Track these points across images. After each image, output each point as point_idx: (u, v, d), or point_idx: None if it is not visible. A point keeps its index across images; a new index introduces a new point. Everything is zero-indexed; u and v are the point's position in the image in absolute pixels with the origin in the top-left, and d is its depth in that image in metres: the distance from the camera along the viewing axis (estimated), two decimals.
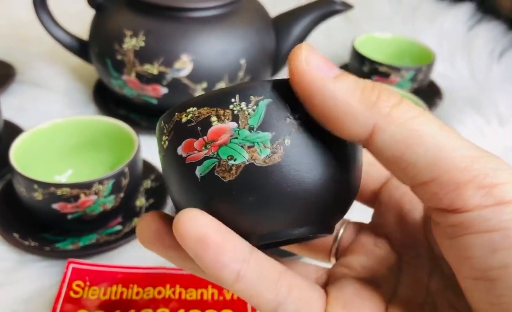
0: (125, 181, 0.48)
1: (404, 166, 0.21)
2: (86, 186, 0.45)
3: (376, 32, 0.84)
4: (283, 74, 0.72)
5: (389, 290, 0.26)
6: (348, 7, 0.67)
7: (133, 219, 0.52)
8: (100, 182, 0.46)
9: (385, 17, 1.08)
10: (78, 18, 0.75)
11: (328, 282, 0.28)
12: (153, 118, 0.66)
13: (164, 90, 0.60)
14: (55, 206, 0.45)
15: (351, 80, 0.21)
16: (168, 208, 0.53)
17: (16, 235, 0.48)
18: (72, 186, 0.45)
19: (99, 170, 0.54)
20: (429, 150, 0.20)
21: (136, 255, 0.49)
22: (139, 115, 0.67)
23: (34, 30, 0.83)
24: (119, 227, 0.51)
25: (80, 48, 0.68)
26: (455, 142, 0.20)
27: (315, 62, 0.21)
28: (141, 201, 0.54)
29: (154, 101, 0.61)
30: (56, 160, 0.53)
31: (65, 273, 0.45)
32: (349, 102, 0.21)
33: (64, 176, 0.54)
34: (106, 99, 0.70)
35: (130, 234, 0.50)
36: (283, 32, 0.67)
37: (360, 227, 0.30)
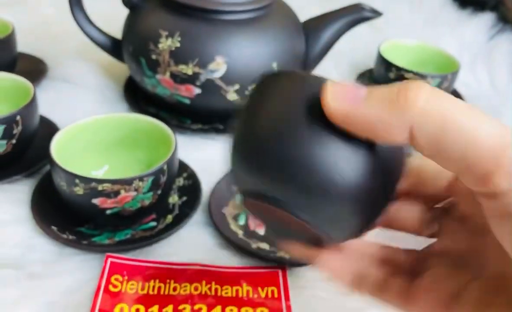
0: (163, 179, 0.49)
1: (442, 158, 0.23)
2: (127, 182, 0.46)
3: (398, 38, 0.84)
4: None
5: (477, 268, 0.28)
6: (377, 14, 0.68)
7: (167, 216, 0.53)
8: (141, 179, 0.47)
9: (405, 23, 1.09)
10: (109, 17, 0.76)
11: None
12: (183, 117, 0.67)
13: (197, 90, 0.61)
14: (95, 201, 0.46)
15: (377, 94, 0.23)
16: (202, 206, 0.54)
17: (54, 228, 0.49)
18: (113, 182, 0.46)
19: (134, 166, 0.55)
20: (459, 142, 0.22)
21: (170, 251, 0.50)
22: (169, 113, 0.68)
23: (63, 27, 0.84)
24: (153, 224, 0.52)
25: (113, 47, 0.69)
26: (484, 130, 0.22)
27: (341, 95, 0.24)
28: (174, 199, 0.55)
29: (187, 101, 0.62)
30: (93, 155, 0.54)
31: (104, 267, 0.46)
32: (382, 116, 0.23)
33: (100, 171, 0.55)
34: (136, 97, 0.71)
35: (165, 231, 0.50)
36: (312, 36, 0.68)
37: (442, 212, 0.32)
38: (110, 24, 0.73)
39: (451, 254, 0.30)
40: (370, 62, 0.89)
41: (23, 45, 0.72)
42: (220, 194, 0.55)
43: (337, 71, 0.85)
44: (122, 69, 0.72)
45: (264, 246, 0.51)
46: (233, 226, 0.52)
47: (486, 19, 1.08)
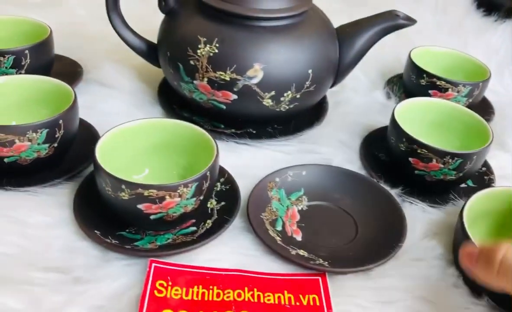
0: (205, 185, 0.49)
1: None
2: (172, 189, 0.47)
3: (427, 45, 0.84)
4: (343, 84, 0.73)
5: None
6: (412, 21, 0.68)
7: (206, 221, 0.54)
8: (185, 185, 0.47)
9: (430, 30, 1.09)
10: (141, 18, 0.76)
11: None
12: (216, 121, 0.68)
13: (234, 96, 0.61)
14: (140, 206, 0.47)
15: None
16: (240, 210, 0.54)
17: (97, 232, 0.50)
18: (158, 188, 0.46)
19: (174, 171, 0.56)
20: None
21: (211, 257, 0.50)
22: (202, 117, 0.68)
23: (95, 28, 0.85)
24: (193, 228, 0.53)
25: (148, 51, 0.70)
26: None
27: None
28: (212, 203, 0.56)
29: (223, 106, 0.63)
30: (135, 159, 0.55)
31: (148, 272, 0.47)
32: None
33: (141, 175, 0.55)
34: (170, 100, 0.71)
35: (206, 236, 0.51)
36: (346, 43, 0.68)
37: None
38: (142, 26, 0.73)
39: None
40: (396, 68, 0.89)
41: (56, 47, 0.73)
42: (257, 199, 0.56)
43: (365, 77, 0.85)
44: (155, 72, 0.73)
45: (303, 252, 0.51)
46: (271, 232, 0.53)
47: None
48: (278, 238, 0.52)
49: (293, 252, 0.51)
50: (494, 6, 1.16)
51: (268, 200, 0.57)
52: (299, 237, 0.54)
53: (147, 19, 0.76)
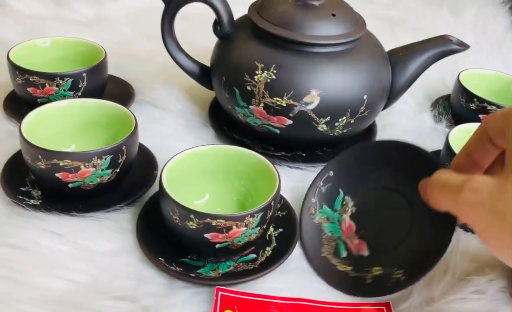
0: (269, 214, 0.50)
1: None
2: (239, 219, 0.47)
3: (474, 67, 0.84)
4: (391, 106, 0.73)
5: None
6: (465, 47, 0.68)
7: (266, 248, 0.54)
8: (251, 215, 0.48)
9: (470, 48, 1.08)
10: (189, 41, 0.77)
11: None
12: (267, 145, 0.68)
13: (289, 121, 0.62)
14: (207, 235, 0.47)
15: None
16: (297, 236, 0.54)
17: (161, 259, 0.50)
18: (226, 218, 0.47)
19: (234, 197, 0.56)
20: None
21: (273, 286, 0.50)
22: (252, 140, 0.69)
23: (142, 47, 0.86)
24: (253, 256, 0.53)
25: (201, 74, 0.71)
26: None
27: None
28: (270, 230, 0.56)
29: (277, 131, 0.63)
30: (196, 184, 0.55)
31: (216, 300, 0.47)
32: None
33: (202, 201, 0.56)
34: (221, 123, 0.72)
35: (266, 265, 0.51)
36: (399, 67, 0.68)
37: None
38: (186, 45, 0.74)
39: None
40: (441, 89, 0.89)
41: None
42: (308, 236, 0.54)
43: (412, 99, 0.84)
44: (206, 93, 0.74)
45: (377, 270, 0.50)
46: (340, 266, 0.52)
47: None
48: (349, 268, 0.52)
49: (369, 280, 0.50)
50: None
51: (318, 228, 0.55)
52: (365, 251, 0.53)
53: (192, 38, 0.76)
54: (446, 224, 0.46)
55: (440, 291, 0.51)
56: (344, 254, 0.53)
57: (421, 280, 0.51)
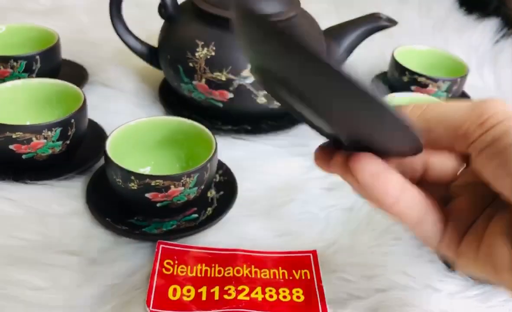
0: (206, 175, 0.55)
1: None
2: (176, 178, 0.52)
3: (410, 44, 0.90)
4: None
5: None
6: (393, 23, 0.74)
7: (207, 209, 0.59)
8: (188, 175, 0.53)
9: (415, 29, 1.15)
10: (140, 24, 0.81)
11: None
12: (214, 119, 0.73)
13: (230, 95, 0.67)
14: (148, 195, 0.52)
15: None
16: (239, 199, 0.60)
17: (108, 219, 0.55)
18: (164, 178, 0.52)
19: (176, 164, 0.61)
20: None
21: (212, 240, 0.55)
22: (201, 116, 0.74)
23: (98, 34, 0.91)
24: (195, 215, 0.58)
25: (149, 54, 0.75)
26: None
27: None
28: (211, 193, 0.61)
29: (220, 105, 0.68)
30: (140, 154, 0.60)
31: (157, 252, 0.52)
32: None
33: (146, 169, 0.61)
34: (170, 100, 0.77)
35: (206, 222, 0.56)
36: (333, 44, 0.74)
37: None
38: (141, 31, 0.79)
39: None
40: (383, 66, 0.94)
41: (63, 52, 0.78)
42: None
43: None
44: (156, 74, 0.78)
45: None
46: None
47: (492, 24, 1.14)
48: None
49: None
50: (478, 4, 1.22)
51: None
52: None
53: (147, 24, 0.81)
54: None
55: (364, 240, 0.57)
56: None
57: (346, 232, 0.57)
